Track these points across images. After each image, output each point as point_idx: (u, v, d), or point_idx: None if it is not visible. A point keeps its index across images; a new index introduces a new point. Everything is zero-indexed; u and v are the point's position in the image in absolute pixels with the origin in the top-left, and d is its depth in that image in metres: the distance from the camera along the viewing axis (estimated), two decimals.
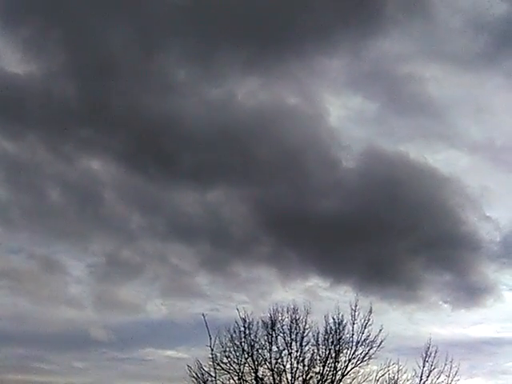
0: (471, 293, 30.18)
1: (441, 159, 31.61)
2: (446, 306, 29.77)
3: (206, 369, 20.30)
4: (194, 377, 20.48)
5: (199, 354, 20.65)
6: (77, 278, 31.90)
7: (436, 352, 20.34)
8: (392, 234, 28.98)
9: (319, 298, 27.61)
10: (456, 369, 19.91)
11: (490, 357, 29.49)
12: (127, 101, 31.16)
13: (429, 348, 20.44)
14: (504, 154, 32.78)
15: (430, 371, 20.19)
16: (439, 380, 20.05)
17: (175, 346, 30.65)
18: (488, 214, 30.89)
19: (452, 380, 19.96)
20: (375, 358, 20.78)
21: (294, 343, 21.19)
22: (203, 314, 20.10)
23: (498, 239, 30.60)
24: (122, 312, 32.07)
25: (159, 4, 30.94)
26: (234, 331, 21.04)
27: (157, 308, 31.86)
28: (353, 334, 20.99)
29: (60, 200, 31.59)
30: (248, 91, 31.80)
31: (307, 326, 21.27)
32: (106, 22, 31.12)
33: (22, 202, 31.49)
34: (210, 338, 20.05)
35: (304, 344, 21.17)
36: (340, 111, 32.32)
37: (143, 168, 31.66)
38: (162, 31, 31.30)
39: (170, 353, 30.89)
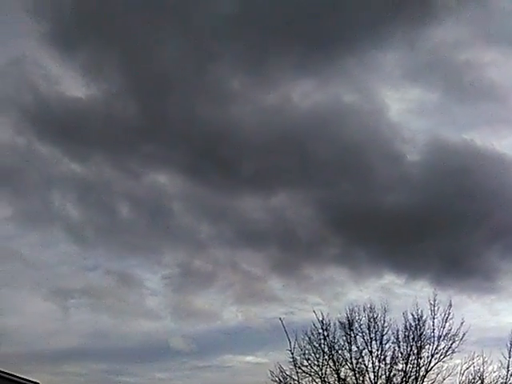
0: None
1: (508, 144, 30.77)
2: None
3: (288, 373, 20.48)
4: (276, 381, 20.60)
5: (278, 358, 20.82)
6: (153, 291, 32.62)
7: None
8: (465, 224, 28.36)
9: (395, 295, 27.31)
10: None
11: None
12: (185, 113, 31.74)
13: None
14: None
15: None
16: None
17: (253, 352, 30.94)
18: None
19: None
20: (458, 351, 20.42)
21: (373, 342, 21.05)
22: (280, 319, 20.18)
23: None
24: (199, 320, 32.60)
25: (208, 15, 31.24)
26: (312, 333, 21.06)
27: (232, 314, 32.20)
28: (433, 329, 20.69)
29: (130, 215, 32.37)
30: (303, 93, 31.80)
31: (386, 324, 21.09)
32: (159, 39, 31.67)
33: (94, 220, 32.43)
34: (290, 342, 20.13)
35: (384, 342, 21.00)
36: (399, 104, 31.96)
37: (207, 178, 32.12)
38: (213, 42, 31.61)
39: (248, 358, 31.18)
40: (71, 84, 32.62)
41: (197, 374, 31.48)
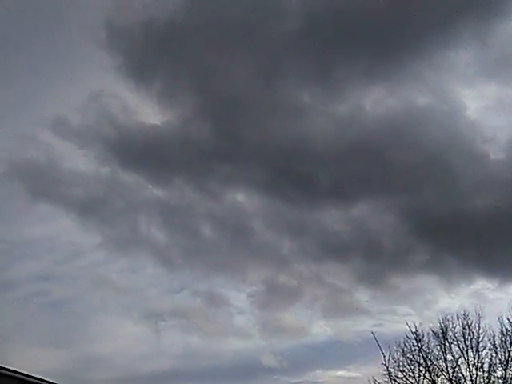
0: None
1: None
2: None
3: None
4: None
5: (370, 371, 20.54)
6: (240, 309, 32.86)
7: None
8: None
9: (488, 300, 26.50)
10: None
11: None
12: (258, 131, 32.04)
13: None
14: None
15: None
16: None
17: (345, 366, 30.53)
18: None
19: None
20: None
21: (469, 350, 20.48)
22: (372, 332, 20.00)
23: None
24: (288, 336, 32.51)
25: (273, 32, 31.54)
26: (405, 345, 20.73)
27: (321, 329, 31.97)
28: None
29: (213, 235, 32.83)
30: (375, 100, 31.42)
31: (481, 331, 20.56)
32: (226, 60, 32.26)
33: (179, 242, 33.13)
34: (384, 355, 19.86)
35: (480, 349, 20.42)
36: (477, 102, 31.02)
37: (285, 193, 32.18)
38: (279, 58, 31.88)
39: (340, 373, 30.77)
40: (148, 112, 33.83)
41: None
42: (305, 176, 31.31)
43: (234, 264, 32.33)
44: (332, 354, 30.39)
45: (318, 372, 31.64)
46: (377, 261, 30.54)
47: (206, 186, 33.00)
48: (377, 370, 20.09)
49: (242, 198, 33.01)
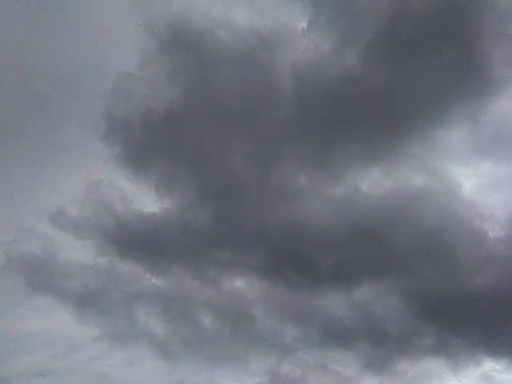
0: None
1: None
2: None
3: None
4: None
5: None
6: None
7: None
8: None
9: (498, 382, 25.61)
10: None
11: None
12: (257, 215, 32.10)
13: None
14: None
15: None
16: None
17: None
18: None
19: None
20: None
21: None
22: None
23: None
24: None
25: (269, 118, 32.31)
26: None
27: None
28: None
29: (213, 325, 32.21)
30: (371, 182, 31.63)
31: None
32: (224, 147, 32.83)
33: (178, 333, 32.39)
34: None
35: None
36: (472, 181, 31.23)
37: (285, 278, 31.81)
38: (277, 142, 32.38)
39: None
40: (146, 201, 33.95)
41: None
42: (305, 260, 31.18)
43: (236, 354, 31.52)
44: None
45: None
46: (382, 346, 29.83)
47: (206, 273, 32.74)
48: None
49: (241, 284, 32.66)
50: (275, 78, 32.71)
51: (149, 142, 33.76)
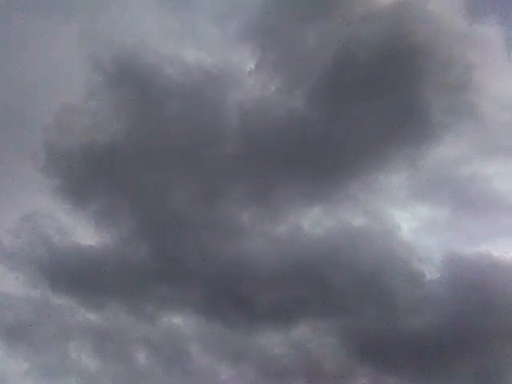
0: None
1: None
2: None
3: None
4: None
5: None
6: None
7: None
8: (494, 339, 27.25)
9: None
10: None
11: None
12: (197, 252, 31.83)
13: None
14: None
15: None
16: None
17: None
18: None
19: None
20: None
21: None
22: None
23: None
24: None
25: (213, 154, 32.51)
26: None
27: None
28: None
29: (147, 362, 31.39)
30: (313, 221, 32.01)
31: None
32: (167, 181, 32.68)
33: (111, 370, 31.38)
34: None
35: None
36: (411, 223, 31.95)
37: (223, 316, 31.46)
38: (220, 179, 32.49)
39: None
40: (84, 234, 33.17)
41: None
42: (244, 298, 30.94)
43: None
44: None
45: None
46: None
47: (142, 309, 32.00)
48: None
49: (178, 321, 32.03)
50: (222, 115, 33.12)
51: (89, 175, 33.31)
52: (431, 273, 30.07)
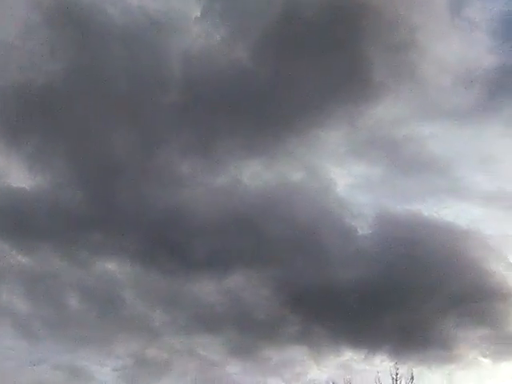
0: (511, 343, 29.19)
1: (454, 213, 31.54)
2: (485, 360, 28.80)
3: None
4: None
5: None
6: (103, 383, 31.11)
7: None
8: (419, 295, 28.46)
9: (356, 371, 26.87)
10: None
11: None
12: (134, 200, 31.59)
13: None
14: None
15: None
16: None
17: None
18: None
19: None
20: None
21: None
22: None
23: None
24: None
25: (156, 102, 31.96)
26: None
27: None
28: None
29: (80, 306, 31.29)
30: (252, 174, 32.26)
31: None
32: (107, 127, 32.02)
33: (42, 313, 31.15)
34: None
35: None
36: (346, 180, 32.68)
37: (158, 263, 31.52)
38: (162, 128, 32.11)
39: None
40: (17, 176, 32.30)
41: None
42: (180, 246, 31.10)
43: (101, 336, 30.77)
44: None
45: None
46: (249, 333, 30.41)
47: (76, 255, 31.64)
48: None
49: (113, 267, 31.87)
50: (164, 62, 32.52)
51: (24, 115, 32.20)
52: (363, 229, 30.97)
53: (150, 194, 31.57)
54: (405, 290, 28.53)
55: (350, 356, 27.95)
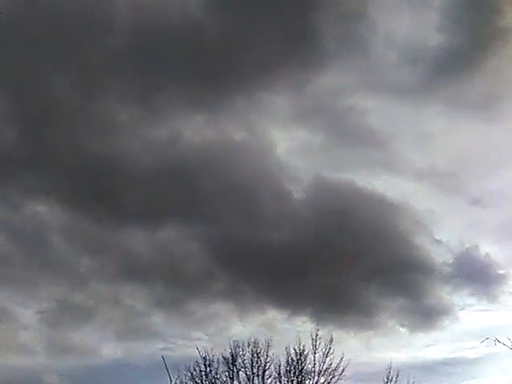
0: (428, 315, 30.62)
1: (387, 186, 32.14)
2: (403, 330, 30.09)
3: None
4: None
5: None
6: (26, 325, 30.74)
7: (397, 376, 20.63)
8: (345, 261, 29.23)
9: (278, 331, 27.53)
10: None
11: (446, 377, 29.77)
12: (69, 143, 30.84)
13: (390, 372, 20.71)
14: (447, 179, 33.70)
15: None
16: None
17: None
18: (438, 238, 31.62)
19: None
20: None
21: (255, 377, 21.07)
22: (163, 357, 19.69)
23: (451, 261, 31.29)
24: (76, 357, 30.93)
25: (98, 46, 30.97)
26: (194, 369, 20.82)
27: (111, 351, 30.86)
28: (314, 364, 21.10)
29: (6, 247, 30.67)
30: (194, 129, 31.95)
31: (268, 359, 21.27)
32: (46, 66, 30.83)
33: None
34: (171, 380, 19.65)
35: (266, 377, 21.10)
36: (287, 144, 32.71)
37: (90, 210, 31.10)
38: (103, 72, 31.18)
39: None
40: None
41: None
42: (114, 195, 30.69)
43: (26, 278, 30.37)
44: (119, 376, 29.41)
45: None
46: (177, 286, 30.66)
47: (5, 194, 30.82)
48: None
49: (43, 209, 31.29)
50: (113, 5, 31.42)
51: None
52: (298, 193, 31.31)
53: (86, 138, 30.89)
54: (332, 256, 29.29)
55: (273, 315, 28.53)
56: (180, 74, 31.97)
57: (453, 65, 31.72)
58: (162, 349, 28.49)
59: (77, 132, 31.00)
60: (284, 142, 32.42)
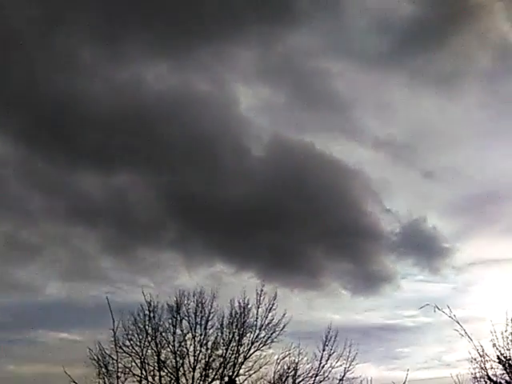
0: (370, 281, 31.45)
1: (344, 152, 32.52)
2: (345, 292, 30.84)
3: (108, 352, 20.04)
4: (94, 359, 20.15)
5: (98, 337, 20.28)
6: None
7: (336, 337, 21.20)
8: (296, 222, 29.68)
9: (224, 284, 27.70)
10: (354, 353, 20.85)
11: (383, 342, 30.83)
12: (26, 76, 29.85)
13: (329, 333, 21.26)
14: (403, 150, 34.28)
15: (330, 355, 20.99)
16: (338, 364, 20.92)
17: (70, 329, 29.49)
18: (388, 207, 32.27)
19: (350, 364, 20.86)
20: (277, 341, 21.46)
21: (198, 327, 21.38)
22: (107, 297, 19.52)
23: (398, 230, 32.03)
24: (19, 293, 30.82)
25: None
26: (138, 314, 20.94)
27: (55, 290, 30.77)
28: (257, 318, 21.49)
29: None
30: (157, 75, 31.44)
31: (212, 310, 21.56)
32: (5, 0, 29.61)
33: None
34: (113, 321, 19.62)
35: (208, 327, 21.42)
36: (250, 100, 32.62)
37: (45, 148, 30.56)
38: (67, 7, 30.09)
39: (63, 335, 29.80)
40: None
41: (3, 347, 29.37)
42: (70, 134, 30.05)
43: None
44: (62, 316, 29.39)
45: (41, 332, 30.28)
46: (128, 232, 30.57)
47: None
48: (106, 336, 19.79)
49: None
50: None
51: None
52: (257, 150, 31.36)
53: (45, 74, 30.04)
54: (284, 215, 29.67)
55: (220, 268, 28.78)
56: (148, 18, 31.22)
57: (422, 37, 31.93)
58: (108, 292, 28.60)
59: (36, 66, 30.07)
60: (247, 98, 32.35)
